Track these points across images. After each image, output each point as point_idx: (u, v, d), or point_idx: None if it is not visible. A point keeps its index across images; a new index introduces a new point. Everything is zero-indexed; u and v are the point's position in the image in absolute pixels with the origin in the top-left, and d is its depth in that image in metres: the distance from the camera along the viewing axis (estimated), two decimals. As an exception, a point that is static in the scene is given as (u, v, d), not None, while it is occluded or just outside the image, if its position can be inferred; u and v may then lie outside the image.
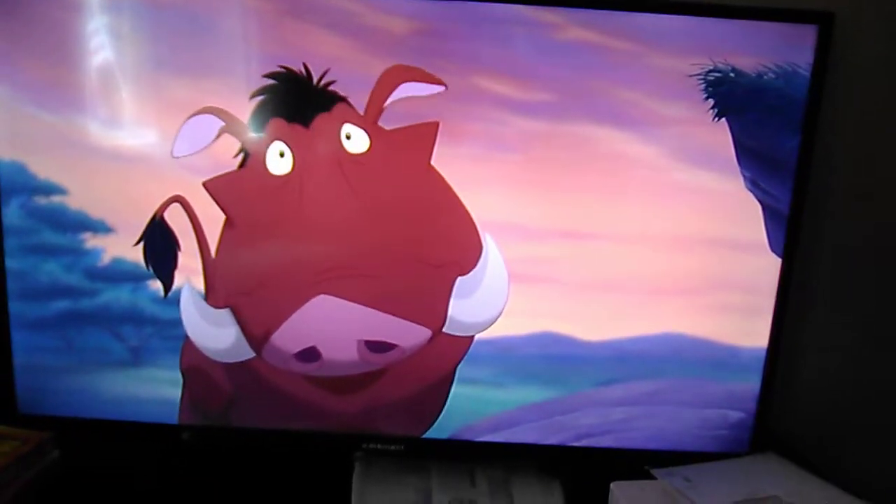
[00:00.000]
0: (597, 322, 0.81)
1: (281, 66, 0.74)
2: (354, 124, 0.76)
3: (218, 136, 0.76)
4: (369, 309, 0.79)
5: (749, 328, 0.82)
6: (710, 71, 0.75)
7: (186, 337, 0.81)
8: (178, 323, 0.80)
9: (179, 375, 0.82)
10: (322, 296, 0.78)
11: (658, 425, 0.84)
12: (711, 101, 0.76)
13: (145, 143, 0.76)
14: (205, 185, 0.76)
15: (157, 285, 0.79)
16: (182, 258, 0.78)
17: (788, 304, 0.82)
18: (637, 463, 0.81)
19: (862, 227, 0.89)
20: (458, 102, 0.75)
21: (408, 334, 0.80)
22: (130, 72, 0.75)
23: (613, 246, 0.79)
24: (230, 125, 0.76)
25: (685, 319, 0.82)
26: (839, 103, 0.84)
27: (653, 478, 0.79)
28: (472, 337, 0.81)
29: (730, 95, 0.76)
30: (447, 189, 0.77)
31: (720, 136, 0.77)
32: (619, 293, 0.81)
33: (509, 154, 0.77)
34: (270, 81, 0.75)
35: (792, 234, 0.80)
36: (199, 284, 0.79)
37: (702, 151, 0.77)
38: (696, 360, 0.82)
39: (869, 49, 0.84)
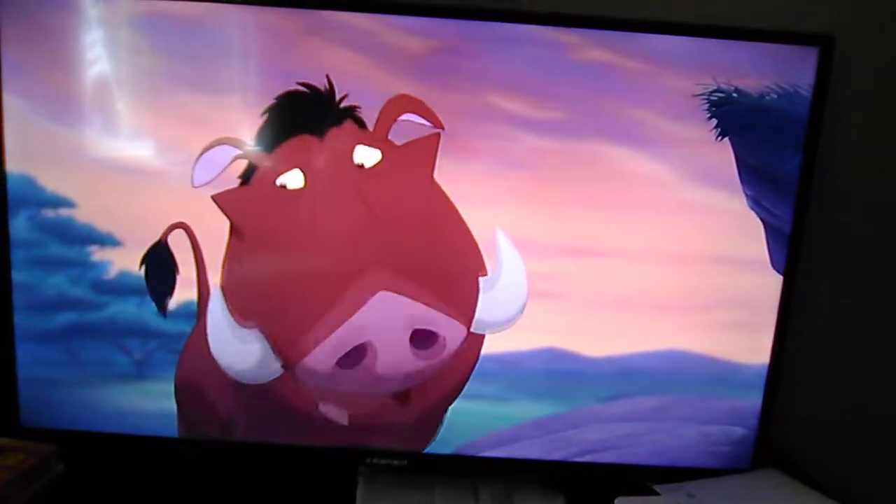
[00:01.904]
0: (600, 338, 0.82)
1: (298, 84, 0.75)
2: (366, 141, 0.76)
3: (233, 162, 0.77)
4: (416, 302, 0.79)
5: (751, 345, 0.83)
6: (714, 91, 0.76)
7: (182, 353, 0.81)
8: (182, 337, 0.80)
9: (183, 389, 0.82)
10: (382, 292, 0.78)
11: (661, 441, 0.84)
12: (715, 121, 0.77)
13: (154, 157, 0.77)
14: (213, 198, 0.77)
15: (163, 298, 0.80)
16: (181, 282, 0.79)
17: (790, 321, 0.82)
18: (640, 479, 0.82)
19: (862, 246, 0.90)
20: (472, 119, 0.76)
21: (449, 326, 0.80)
22: (141, 86, 0.76)
23: (617, 262, 0.80)
24: (246, 153, 0.76)
25: (688, 336, 0.82)
26: (840, 124, 0.85)
27: (656, 493, 0.80)
28: (479, 351, 0.81)
29: (732, 115, 0.77)
30: (447, 202, 0.78)
31: (723, 156, 0.78)
32: (622, 309, 0.81)
33: (519, 171, 0.78)
34: (283, 100, 0.75)
35: (793, 251, 0.81)
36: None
37: (706, 170, 0.78)
38: (698, 376, 0.83)
39: (869, 70, 0.86)
